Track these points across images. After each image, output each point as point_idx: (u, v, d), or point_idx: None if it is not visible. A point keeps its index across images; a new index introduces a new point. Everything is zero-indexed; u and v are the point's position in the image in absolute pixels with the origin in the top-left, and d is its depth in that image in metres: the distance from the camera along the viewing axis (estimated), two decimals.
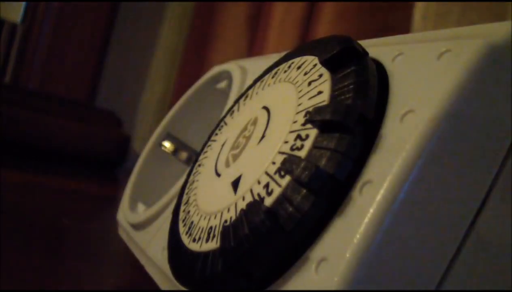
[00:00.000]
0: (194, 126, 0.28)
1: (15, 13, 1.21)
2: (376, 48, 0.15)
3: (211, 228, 0.14)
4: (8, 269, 0.23)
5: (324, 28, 0.42)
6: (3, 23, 1.22)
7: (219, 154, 0.17)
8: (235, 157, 0.16)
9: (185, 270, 0.14)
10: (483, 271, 0.12)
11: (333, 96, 0.13)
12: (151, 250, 0.20)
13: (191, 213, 0.16)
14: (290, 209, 0.11)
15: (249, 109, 0.18)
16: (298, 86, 0.15)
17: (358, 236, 0.10)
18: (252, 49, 0.53)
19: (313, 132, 0.13)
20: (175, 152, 0.27)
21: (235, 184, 0.15)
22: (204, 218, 0.15)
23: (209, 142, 0.20)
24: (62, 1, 1.03)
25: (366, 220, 0.11)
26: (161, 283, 0.19)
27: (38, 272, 0.24)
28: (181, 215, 0.17)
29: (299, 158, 0.12)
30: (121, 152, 0.74)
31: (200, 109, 0.29)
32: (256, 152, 0.15)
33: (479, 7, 0.29)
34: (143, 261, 0.22)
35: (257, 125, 0.16)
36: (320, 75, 0.14)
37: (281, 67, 0.17)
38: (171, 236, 0.17)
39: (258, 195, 0.13)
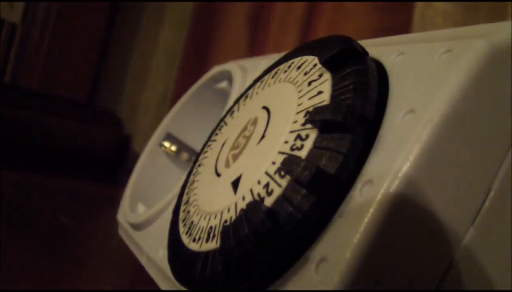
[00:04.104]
0: (194, 126, 0.28)
1: (15, 13, 1.21)
2: (376, 48, 0.15)
3: (211, 228, 0.14)
4: (8, 269, 0.23)
5: (324, 28, 0.42)
6: (3, 23, 1.22)
7: (219, 154, 0.17)
8: (235, 157, 0.16)
9: (185, 270, 0.14)
10: (483, 271, 0.12)
11: (333, 96, 0.13)
12: (151, 250, 0.20)
13: (191, 213, 0.16)
14: (290, 209, 0.11)
15: (249, 109, 0.18)
16: (298, 86, 0.15)
17: (358, 236, 0.10)
18: (252, 49, 0.53)
19: (313, 132, 0.13)
20: (175, 152, 0.27)
21: (235, 184, 0.15)
22: (204, 218, 0.15)
23: (209, 142, 0.20)
24: (62, 1, 1.03)
25: (366, 220, 0.11)
26: (161, 283, 0.19)
27: (38, 272, 0.24)
28: (181, 215, 0.17)
29: (299, 158, 0.12)
30: (121, 152, 0.74)
31: (200, 109, 0.29)
32: (256, 152, 0.15)
33: (479, 7, 0.29)
34: (143, 261, 0.22)
35: (257, 125, 0.16)
36: (320, 75, 0.14)
37: (281, 67, 0.17)
38: (171, 236, 0.17)
39: (258, 195, 0.13)
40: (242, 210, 0.13)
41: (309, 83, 0.14)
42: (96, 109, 0.93)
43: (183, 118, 0.29)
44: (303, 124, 0.13)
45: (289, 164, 0.12)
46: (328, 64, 0.14)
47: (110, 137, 0.74)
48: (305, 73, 0.15)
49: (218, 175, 0.16)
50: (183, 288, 0.15)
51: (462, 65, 0.11)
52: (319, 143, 0.12)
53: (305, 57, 0.16)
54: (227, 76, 0.26)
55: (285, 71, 0.17)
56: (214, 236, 0.14)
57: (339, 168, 0.11)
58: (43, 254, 0.28)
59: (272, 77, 0.18)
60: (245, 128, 0.17)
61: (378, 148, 0.12)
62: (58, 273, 0.25)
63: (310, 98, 0.14)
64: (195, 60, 0.64)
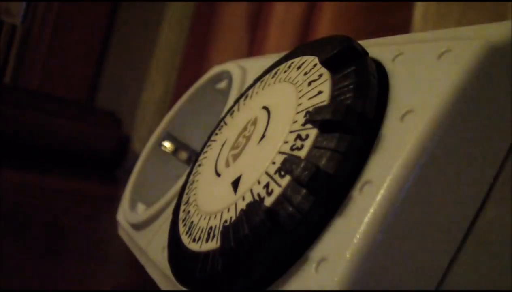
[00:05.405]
0: (194, 126, 0.28)
1: (15, 13, 1.21)
2: (376, 48, 0.15)
3: (211, 228, 0.14)
4: (8, 269, 0.23)
5: (324, 28, 0.42)
6: (3, 23, 1.22)
7: (219, 154, 0.17)
8: (235, 157, 0.16)
9: (185, 270, 0.14)
10: (483, 271, 0.12)
11: (333, 96, 0.13)
12: (151, 250, 0.20)
13: (191, 213, 0.16)
14: (290, 209, 0.11)
15: (249, 109, 0.18)
16: (298, 86, 0.15)
17: (358, 236, 0.10)
18: (252, 49, 0.53)
19: (313, 132, 0.13)
20: (175, 152, 0.27)
21: (235, 184, 0.15)
22: (204, 218, 0.15)
23: (209, 143, 0.20)
24: (62, 1, 1.03)
25: (366, 220, 0.11)
26: (161, 283, 0.19)
27: (38, 272, 0.24)
28: (181, 215, 0.17)
29: (299, 158, 0.12)
30: (121, 152, 0.74)
31: (200, 109, 0.29)
32: (256, 152, 0.15)
33: (479, 7, 0.29)
34: (143, 261, 0.22)
35: (257, 125, 0.16)
36: (320, 75, 0.14)
37: (281, 67, 0.17)
38: (171, 236, 0.17)
39: (258, 195, 0.13)
40: (242, 210, 0.13)
41: (309, 83, 0.14)
42: (96, 109, 0.93)
43: (183, 118, 0.29)
44: (303, 124, 0.13)
45: (289, 164, 0.12)
46: (328, 64, 0.14)
47: (110, 137, 0.74)
48: (305, 73, 0.15)
49: (218, 175, 0.16)
50: (183, 288, 0.15)
51: (461, 65, 0.11)
52: (319, 143, 0.12)
53: (305, 57, 0.16)
54: (227, 76, 0.26)
55: (285, 71, 0.17)
56: (214, 236, 0.14)
57: (339, 168, 0.11)
58: (43, 254, 0.28)
59: (272, 77, 0.18)
60: (245, 128, 0.17)
61: (378, 147, 0.12)
62: (58, 273, 0.25)
63: (310, 98, 0.14)
64: (195, 60, 0.64)
